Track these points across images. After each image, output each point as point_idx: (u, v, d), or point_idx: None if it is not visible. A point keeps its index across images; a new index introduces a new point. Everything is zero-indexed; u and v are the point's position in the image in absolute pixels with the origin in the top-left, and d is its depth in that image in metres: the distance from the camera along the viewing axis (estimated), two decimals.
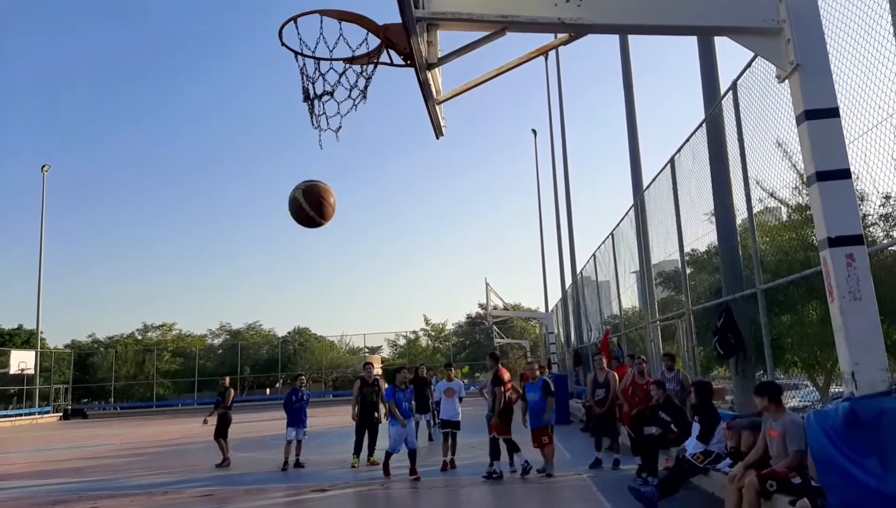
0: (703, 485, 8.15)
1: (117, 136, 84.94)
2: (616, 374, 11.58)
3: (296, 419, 12.51)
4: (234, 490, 10.16)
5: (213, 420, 13.36)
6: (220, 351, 55.94)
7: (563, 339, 29.47)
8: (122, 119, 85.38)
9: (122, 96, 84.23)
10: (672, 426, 8.89)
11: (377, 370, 13.81)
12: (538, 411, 10.22)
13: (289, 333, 58.04)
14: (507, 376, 10.82)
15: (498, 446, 10.21)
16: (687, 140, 10.12)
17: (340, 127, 4.67)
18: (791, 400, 8.01)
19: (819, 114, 3.96)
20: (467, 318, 59.41)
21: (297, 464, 12.28)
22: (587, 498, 8.46)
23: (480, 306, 50.20)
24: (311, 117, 4.69)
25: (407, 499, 9.31)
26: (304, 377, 13.79)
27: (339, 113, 4.69)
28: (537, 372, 10.72)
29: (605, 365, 11.42)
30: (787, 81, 4.38)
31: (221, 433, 13.18)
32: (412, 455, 10.52)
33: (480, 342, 56.33)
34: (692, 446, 7.74)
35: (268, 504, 9.08)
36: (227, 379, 14.41)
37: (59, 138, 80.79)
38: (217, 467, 12.65)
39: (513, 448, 10.39)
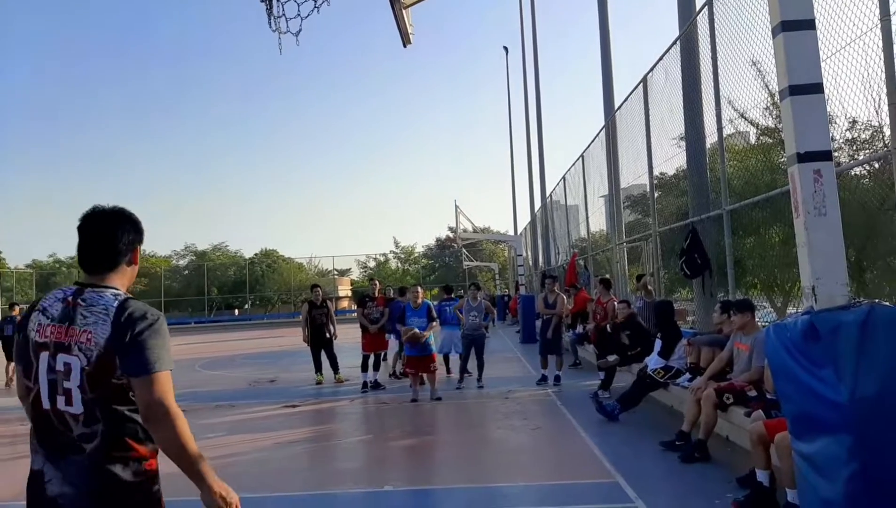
0: (662, 399, 8.47)
1: (83, 53, 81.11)
2: (564, 297, 11.77)
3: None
4: (204, 406, 10.23)
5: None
6: (187, 272, 55.50)
7: (530, 262, 29.75)
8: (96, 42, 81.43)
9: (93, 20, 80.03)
10: (631, 346, 9.12)
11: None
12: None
13: (256, 254, 57.71)
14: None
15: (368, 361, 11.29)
16: (660, 58, 9.95)
17: (300, 30, 4.41)
18: None
19: (796, 26, 3.83)
20: (437, 241, 59.69)
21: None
22: (552, 412, 8.72)
23: (450, 229, 50.26)
24: (270, 19, 4.42)
25: (373, 414, 9.50)
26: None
27: (299, 15, 4.43)
28: (420, 297, 10.17)
29: (555, 288, 11.37)
30: None
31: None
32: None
33: (449, 265, 56.82)
34: (653, 362, 7.96)
35: (240, 419, 9.17)
36: (17, 308, 14.34)
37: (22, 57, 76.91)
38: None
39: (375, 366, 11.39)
